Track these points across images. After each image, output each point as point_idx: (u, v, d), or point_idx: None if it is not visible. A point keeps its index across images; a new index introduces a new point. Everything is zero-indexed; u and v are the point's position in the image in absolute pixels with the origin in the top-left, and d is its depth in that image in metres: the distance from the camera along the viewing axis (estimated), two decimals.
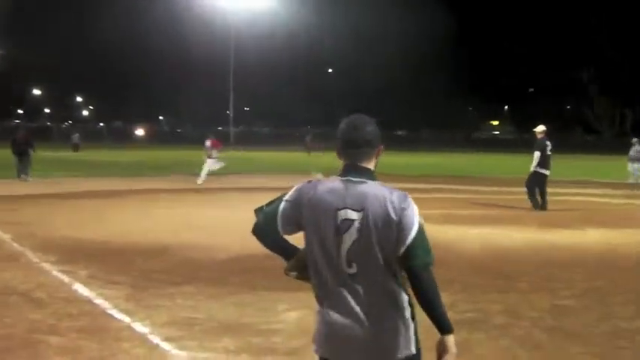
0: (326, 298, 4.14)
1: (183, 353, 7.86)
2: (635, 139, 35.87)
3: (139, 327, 8.67)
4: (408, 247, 3.97)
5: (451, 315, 8.95)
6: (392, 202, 4.02)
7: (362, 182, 4.10)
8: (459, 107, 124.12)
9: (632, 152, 35.05)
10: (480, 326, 9.02)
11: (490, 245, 15.60)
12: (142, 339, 8.21)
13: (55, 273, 12.17)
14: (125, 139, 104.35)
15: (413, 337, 4.09)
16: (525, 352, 8.06)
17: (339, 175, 4.20)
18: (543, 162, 22.51)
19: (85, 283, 11.31)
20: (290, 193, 4.31)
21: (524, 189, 22.85)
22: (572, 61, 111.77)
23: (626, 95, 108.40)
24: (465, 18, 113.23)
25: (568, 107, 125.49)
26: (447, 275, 12.02)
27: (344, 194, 4.08)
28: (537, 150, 22.59)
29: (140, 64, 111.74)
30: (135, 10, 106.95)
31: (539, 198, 22.48)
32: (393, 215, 3.98)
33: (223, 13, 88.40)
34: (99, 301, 10.21)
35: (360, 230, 4.01)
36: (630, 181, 34.36)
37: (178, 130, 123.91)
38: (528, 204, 22.44)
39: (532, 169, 22.54)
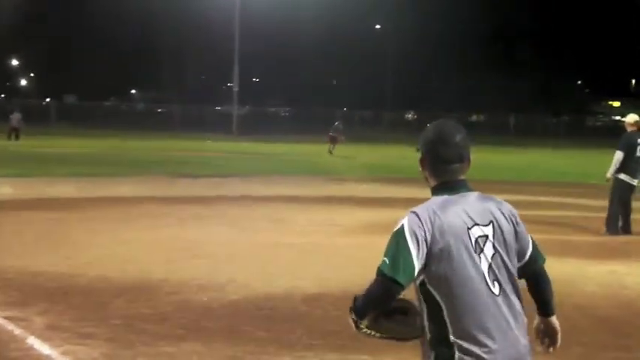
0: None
1: None
2: None
3: None
4: (532, 251, 5.38)
5: None
6: (508, 211, 5.31)
7: (472, 195, 5.27)
8: (561, 84, 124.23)
9: None
10: None
11: (621, 291, 15.74)
12: None
13: None
14: (83, 120, 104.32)
15: None
16: None
17: (446, 193, 5.23)
18: (629, 166, 22.34)
19: (44, 337, 11.48)
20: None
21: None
22: None
23: None
24: None
25: None
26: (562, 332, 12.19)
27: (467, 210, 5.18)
28: (621, 149, 22.36)
29: (104, 14, 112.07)
30: None
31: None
32: (513, 224, 5.27)
33: None
34: None
35: (494, 246, 5.13)
36: None
37: (159, 110, 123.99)
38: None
39: (609, 174, 22.47)
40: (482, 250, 5.05)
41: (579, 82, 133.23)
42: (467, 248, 5.01)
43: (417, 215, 5.05)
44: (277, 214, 24.95)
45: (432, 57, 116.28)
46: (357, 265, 16.50)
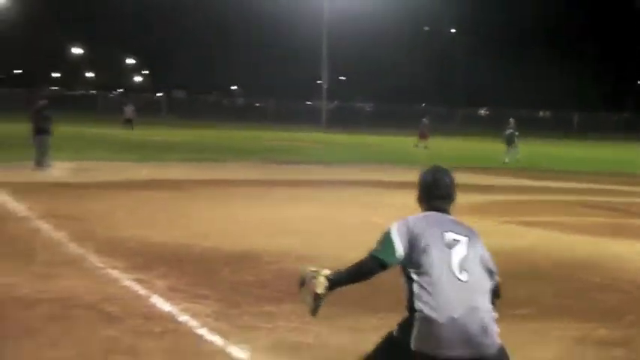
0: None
1: None
2: None
3: (236, 351, 9.08)
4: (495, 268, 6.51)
5: (622, 353, 9.43)
6: (478, 234, 6.49)
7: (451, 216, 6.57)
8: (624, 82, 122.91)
9: None
10: None
11: None
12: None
13: (126, 282, 12.65)
14: (189, 113, 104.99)
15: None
16: None
17: (432, 211, 6.56)
18: None
19: (165, 296, 11.77)
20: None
21: None
22: None
23: None
24: None
25: None
26: (614, 303, 12.55)
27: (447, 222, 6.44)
28: None
29: (210, 21, 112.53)
30: None
31: None
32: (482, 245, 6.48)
33: None
34: (184, 318, 10.70)
35: (467, 249, 6.23)
36: None
37: (257, 105, 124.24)
38: None
39: None
40: (454, 245, 6.17)
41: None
42: (441, 245, 6.12)
43: (405, 220, 6.34)
44: (364, 197, 25.12)
45: (499, 57, 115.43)
46: None
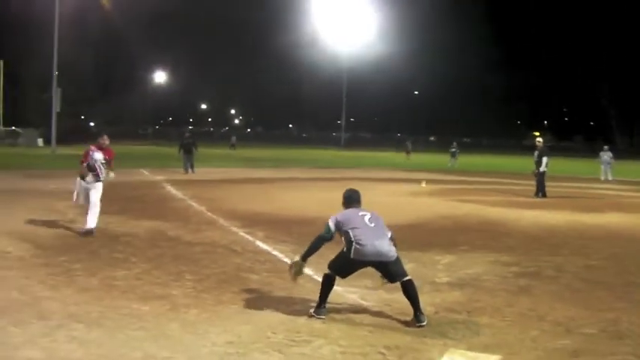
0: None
1: (340, 288, 8.53)
2: (605, 147, 36.35)
3: (308, 270, 9.26)
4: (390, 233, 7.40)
5: (516, 269, 9.77)
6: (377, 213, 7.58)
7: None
8: (510, 120, 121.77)
9: (605, 157, 35.56)
10: (536, 277, 9.61)
11: (541, 223, 15.82)
12: (312, 278, 8.57)
13: (241, 233, 12.91)
14: (266, 140, 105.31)
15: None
16: (568, 295, 8.58)
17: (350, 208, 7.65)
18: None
19: (264, 241, 12.04)
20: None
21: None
22: (595, 91, 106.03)
23: (636, 114, 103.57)
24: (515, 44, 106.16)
25: (592, 123, 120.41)
26: (512, 243, 12.75)
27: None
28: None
29: (278, 87, 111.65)
30: (286, 63, 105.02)
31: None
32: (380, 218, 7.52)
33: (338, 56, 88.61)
34: (276, 252, 10.98)
35: (370, 217, 7.36)
36: (602, 177, 34.76)
37: (304, 135, 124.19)
38: (564, 194, 22.55)
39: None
40: (364, 216, 7.34)
41: (518, 122, 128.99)
42: (358, 216, 7.34)
43: (339, 214, 7.49)
44: (368, 185, 25.29)
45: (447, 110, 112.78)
46: (413, 210, 16.97)
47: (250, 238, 12.45)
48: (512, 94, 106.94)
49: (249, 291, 8.35)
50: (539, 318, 7.42)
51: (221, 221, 14.65)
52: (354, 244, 7.05)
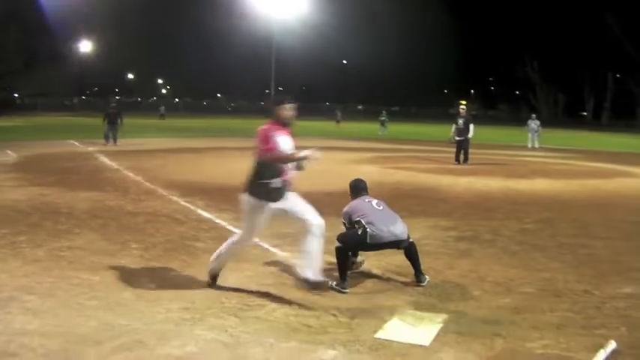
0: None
1: (284, 254, 8.71)
2: (533, 115, 37.87)
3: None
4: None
5: (455, 233, 10.03)
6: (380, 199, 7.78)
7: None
8: (439, 90, 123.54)
9: (533, 125, 36.84)
10: (474, 240, 9.92)
11: (474, 189, 16.26)
12: (256, 245, 8.70)
13: (182, 202, 12.87)
14: (194, 110, 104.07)
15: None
16: (506, 257, 8.89)
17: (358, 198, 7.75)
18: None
19: (205, 209, 12.04)
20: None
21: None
22: (520, 61, 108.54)
23: (560, 84, 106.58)
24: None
25: (517, 92, 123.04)
26: (449, 208, 13.10)
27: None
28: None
29: (205, 57, 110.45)
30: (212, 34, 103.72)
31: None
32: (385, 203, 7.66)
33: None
34: (218, 220, 10.98)
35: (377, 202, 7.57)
36: (529, 145, 35.97)
37: (232, 105, 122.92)
38: (493, 161, 23.14)
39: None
40: (371, 202, 7.55)
41: (445, 90, 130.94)
42: (367, 202, 7.54)
43: (347, 207, 7.60)
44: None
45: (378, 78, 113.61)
46: (349, 178, 17.15)
47: (191, 207, 12.43)
48: (440, 63, 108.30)
49: (196, 258, 8.38)
50: (480, 279, 7.71)
51: (160, 191, 14.59)
52: (368, 231, 7.13)
